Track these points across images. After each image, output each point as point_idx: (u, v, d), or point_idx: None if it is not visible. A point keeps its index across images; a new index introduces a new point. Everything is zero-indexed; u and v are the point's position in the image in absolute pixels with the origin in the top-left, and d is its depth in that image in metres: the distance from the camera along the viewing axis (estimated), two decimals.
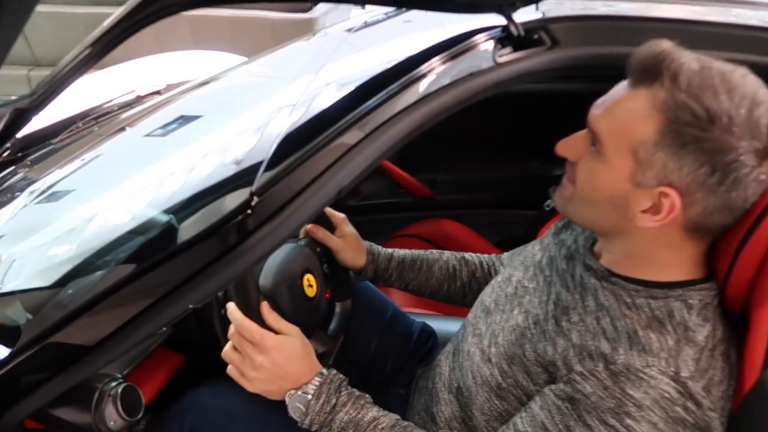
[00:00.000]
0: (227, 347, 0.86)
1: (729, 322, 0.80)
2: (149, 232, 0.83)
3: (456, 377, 0.95)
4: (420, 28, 1.27)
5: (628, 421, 0.68)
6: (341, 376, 0.88)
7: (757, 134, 0.69)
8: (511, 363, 0.84)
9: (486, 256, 1.20)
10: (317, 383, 0.85)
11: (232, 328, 0.86)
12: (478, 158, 1.88)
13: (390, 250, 1.16)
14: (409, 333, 1.21)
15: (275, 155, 0.79)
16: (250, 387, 0.85)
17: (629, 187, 0.73)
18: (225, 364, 0.92)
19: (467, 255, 1.19)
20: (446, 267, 1.16)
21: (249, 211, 0.73)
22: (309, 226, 1.10)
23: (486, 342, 0.90)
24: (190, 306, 0.73)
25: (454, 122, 1.52)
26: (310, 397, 0.84)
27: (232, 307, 0.86)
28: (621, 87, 0.76)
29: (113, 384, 0.81)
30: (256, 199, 0.74)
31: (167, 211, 0.83)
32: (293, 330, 0.87)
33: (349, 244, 1.11)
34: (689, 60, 0.71)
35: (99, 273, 0.78)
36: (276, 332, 0.86)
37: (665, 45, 0.73)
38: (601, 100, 0.77)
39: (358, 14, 1.94)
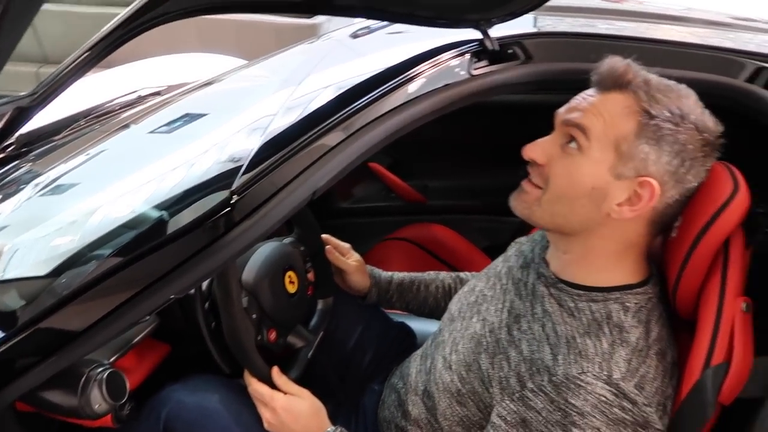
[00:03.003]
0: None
1: (673, 325, 0.84)
2: (138, 226, 0.88)
3: (422, 380, 1.00)
4: (411, 38, 1.31)
5: (575, 430, 0.74)
6: None
7: (705, 128, 0.78)
8: (468, 370, 0.89)
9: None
10: None
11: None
12: (468, 165, 1.92)
13: (389, 273, 1.22)
14: (387, 330, 1.25)
15: (255, 158, 0.84)
16: None
17: (610, 179, 0.78)
18: (207, 356, 0.97)
19: (462, 273, 1.24)
20: (442, 286, 1.21)
21: (228, 209, 0.78)
22: (327, 248, 1.17)
23: (447, 349, 0.95)
24: (172, 296, 0.78)
25: (446, 130, 1.55)
26: None
27: (246, 374, 0.95)
28: (590, 93, 0.82)
29: (99, 369, 0.86)
30: (235, 197, 0.79)
31: (156, 207, 0.88)
32: (303, 392, 0.95)
33: (357, 268, 1.18)
34: (647, 73, 0.80)
35: (91, 264, 0.84)
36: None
37: (625, 60, 0.81)
38: (574, 104, 0.82)
39: (361, 20, 1.96)
